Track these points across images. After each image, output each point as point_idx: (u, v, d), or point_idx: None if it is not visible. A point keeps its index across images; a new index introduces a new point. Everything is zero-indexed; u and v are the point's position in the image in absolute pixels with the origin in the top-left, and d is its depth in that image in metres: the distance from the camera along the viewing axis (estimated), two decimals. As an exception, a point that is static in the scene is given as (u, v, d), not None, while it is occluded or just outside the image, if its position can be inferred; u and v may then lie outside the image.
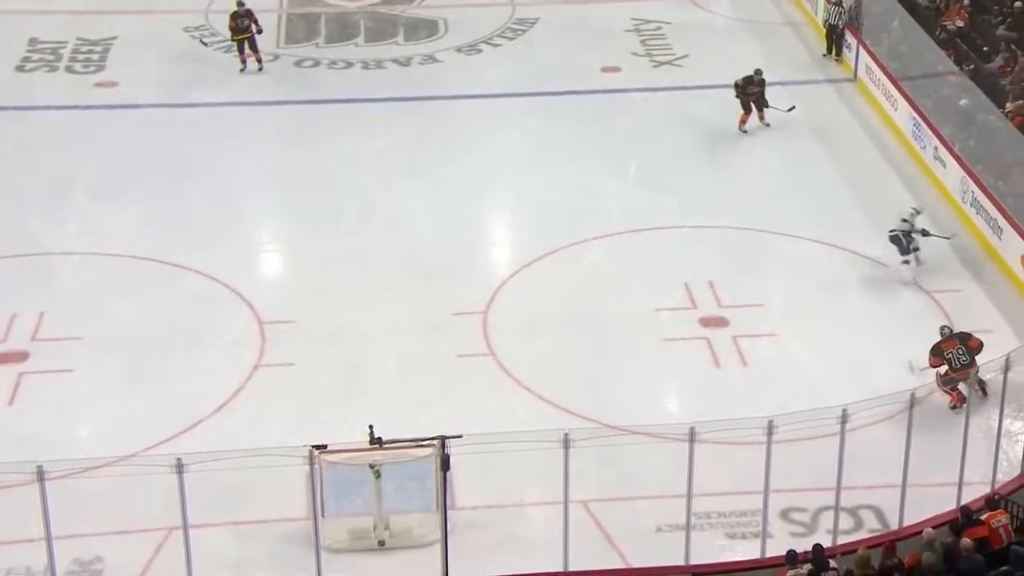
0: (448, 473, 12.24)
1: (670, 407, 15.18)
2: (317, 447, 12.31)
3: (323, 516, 12.69)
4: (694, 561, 12.60)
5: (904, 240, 17.09)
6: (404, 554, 12.94)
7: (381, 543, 13.04)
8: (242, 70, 21.96)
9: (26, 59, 23.37)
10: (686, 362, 15.65)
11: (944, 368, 14.75)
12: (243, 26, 21.55)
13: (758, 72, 21.05)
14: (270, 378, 15.48)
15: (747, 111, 21.07)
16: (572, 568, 12.43)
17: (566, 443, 12.24)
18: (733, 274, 17.40)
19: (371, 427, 12.66)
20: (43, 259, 17.80)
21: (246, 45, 21.90)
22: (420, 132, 21.26)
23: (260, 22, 21.90)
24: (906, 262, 17.09)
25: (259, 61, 22.02)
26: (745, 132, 21.04)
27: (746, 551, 12.96)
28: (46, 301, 16.77)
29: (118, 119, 21.54)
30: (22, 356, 15.79)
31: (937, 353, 14.85)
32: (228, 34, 22.06)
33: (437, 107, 22.10)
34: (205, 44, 21.92)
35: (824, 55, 23.80)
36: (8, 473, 11.90)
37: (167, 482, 11.84)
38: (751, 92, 21.01)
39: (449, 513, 12.41)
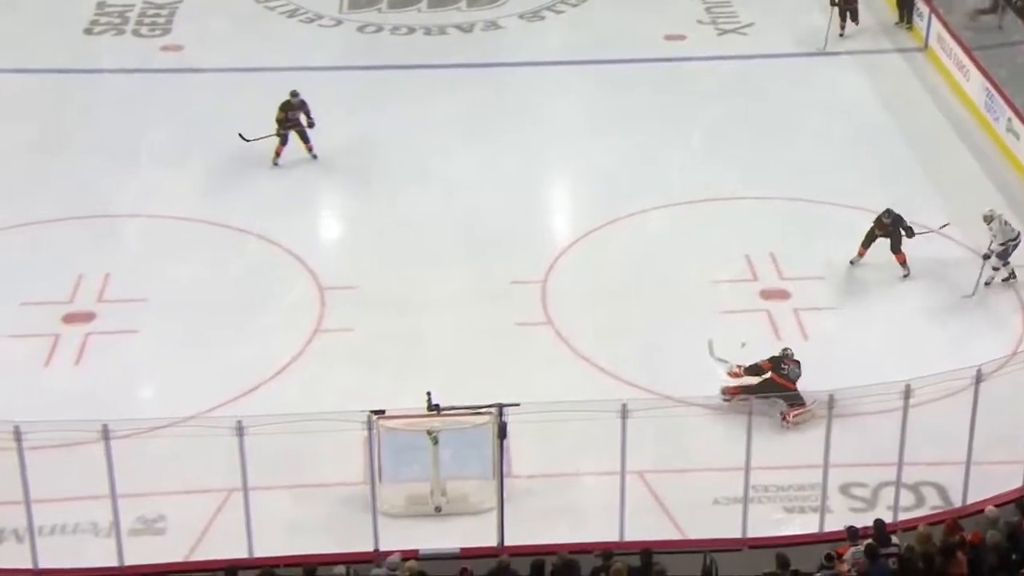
0: (505, 441, 12.29)
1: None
2: (375, 412, 12.41)
3: (380, 481, 12.79)
4: (751, 534, 12.55)
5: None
6: (460, 520, 13.03)
7: (438, 509, 13.14)
8: (275, 164, 18.87)
9: (94, 22, 23.62)
10: (746, 334, 15.53)
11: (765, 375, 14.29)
12: (294, 118, 18.80)
13: None
14: (329, 343, 15.62)
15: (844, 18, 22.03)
16: (628, 538, 12.43)
17: (623, 413, 12.24)
18: (796, 246, 17.22)
19: (429, 394, 12.73)
20: (109, 221, 18.08)
21: (291, 137, 18.90)
22: (481, 99, 21.23)
23: (310, 111, 18.88)
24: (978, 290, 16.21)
25: (310, 151, 19.01)
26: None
27: (804, 525, 12.88)
28: (112, 263, 17.04)
29: (183, 83, 21.75)
30: (88, 317, 16.08)
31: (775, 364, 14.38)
32: (274, 126, 18.82)
33: (499, 74, 22.04)
34: (246, 140, 18.71)
35: (896, 23, 23.38)
36: (75, 431, 12.17)
37: (228, 444, 12.02)
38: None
39: (505, 481, 12.46)
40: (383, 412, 12.57)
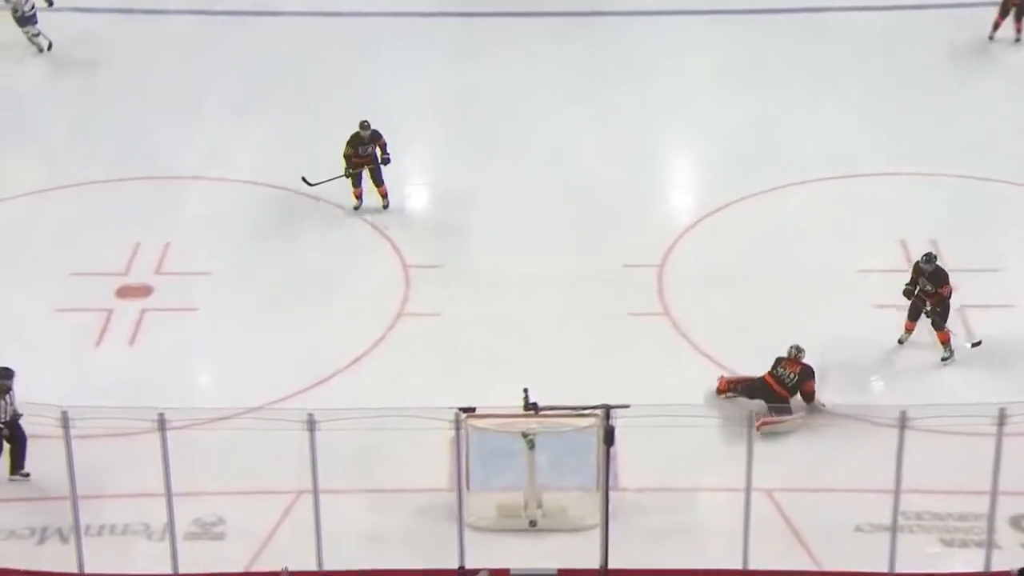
0: (612, 448, 12.23)
1: (877, 385, 14.83)
2: (464, 410, 12.46)
3: (468, 489, 12.85)
4: (901, 568, 12.35)
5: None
6: (558, 537, 13.02)
7: (532, 523, 13.15)
8: (356, 208, 17.68)
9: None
10: (899, 333, 15.27)
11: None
12: (365, 154, 17.44)
13: None
14: (413, 329, 15.73)
15: (1003, 14, 20.33)
16: (752, 566, 12.35)
17: (750, 421, 12.16)
18: (962, 232, 16.92)
19: (526, 391, 12.73)
20: (169, 183, 18.42)
21: (365, 175, 17.63)
22: (590, 53, 21.22)
23: (386, 144, 17.53)
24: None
25: (384, 195, 17.67)
26: (992, 40, 20.09)
27: (966, 562, 12.65)
28: (172, 231, 17.35)
29: (254, 27, 22.05)
30: (145, 291, 16.39)
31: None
32: (343, 164, 17.58)
33: (611, 24, 21.99)
34: (310, 184, 17.62)
35: None
36: (127, 419, 12.38)
37: (297, 440, 12.14)
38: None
39: (611, 494, 12.41)
40: (473, 410, 12.61)
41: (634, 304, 15.98)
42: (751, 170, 18.25)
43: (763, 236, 17.16)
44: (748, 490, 12.24)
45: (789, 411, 13.96)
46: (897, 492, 12.20)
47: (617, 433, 12.09)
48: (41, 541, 12.96)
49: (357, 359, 15.21)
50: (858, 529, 12.96)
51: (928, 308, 14.87)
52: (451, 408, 12.37)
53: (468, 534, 12.52)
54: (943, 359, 14.82)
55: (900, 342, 15.11)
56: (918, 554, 12.66)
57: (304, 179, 17.53)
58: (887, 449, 12.17)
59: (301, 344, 15.41)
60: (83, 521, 12.55)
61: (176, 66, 20.98)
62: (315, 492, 12.24)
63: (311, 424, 12.02)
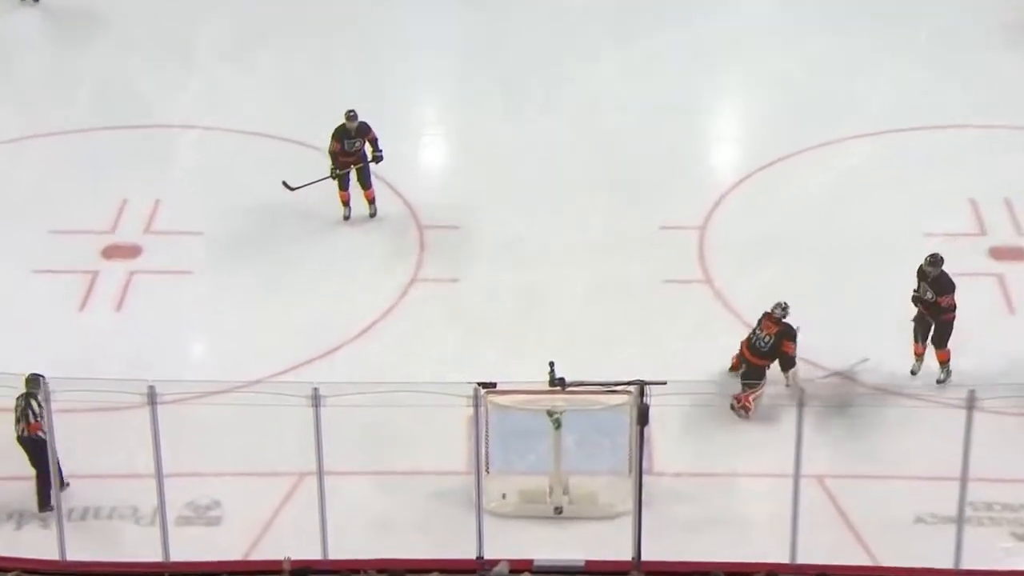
0: (646, 428, 12.27)
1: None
2: (484, 385, 12.50)
3: (487, 472, 12.94)
4: (967, 565, 12.34)
5: None
6: (586, 526, 13.11)
7: (558, 510, 13.24)
8: (346, 217, 16.83)
9: None
10: (967, 304, 15.15)
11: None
12: (352, 149, 16.47)
13: None
14: (428, 296, 15.82)
15: None
16: (801, 560, 12.36)
17: (800, 400, 12.13)
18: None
19: (552, 364, 12.76)
20: (159, 133, 18.52)
21: (352, 177, 16.69)
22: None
23: (377, 139, 16.60)
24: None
25: (371, 201, 16.78)
26: None
27: (1042, 559, 12.72)
28: (163, 185, 17.45)
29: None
30: (133, 251, 16.51)
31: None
32: (329, 162, 16.69)
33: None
34: (290, 188, 16.67)
35: None
36: (114, 392, 12.39)
37: (300, 416, 12.19)
38: None
39: (645, 479, 12.45)
40: (493, 385, 12.66)
41: (672, 270, 16.03)
42: (806, 122, 18.27)
43: (818, 195, 17.18)
44: (797, 476, 12.23)
45: (759, 383, 13.97)
46: (964, 480, 12.18)
47: (652, 412, 12.07)
48: (19, 526, 13.14)
49: (366, 329, 15.30)
50: (919, 520, 13.01)
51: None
52: (469, 383, 12.37)
53: (487, 521, 12.56)
54: (939, 381, 14.40)
55: (913, 372, 14.55)
56: (987, 548, 12.68)
57: (284, 183, 16.67)
58: (953, 433, 12.16)
59: (304, 312, 15.52)
60: (65, 504, 12.69)
61: (165, 2, 21.01)
62: (319, 474, 12.30)
63: (316, 400, 12.06)
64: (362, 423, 13.16)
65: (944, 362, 14.49)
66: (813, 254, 16.23)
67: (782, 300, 14.16)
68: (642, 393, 12.03)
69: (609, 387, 12.67)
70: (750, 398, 13.99)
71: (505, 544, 12.52)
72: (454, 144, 18.88)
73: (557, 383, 12.64)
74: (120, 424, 13.12)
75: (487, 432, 12.85)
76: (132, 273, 16.18)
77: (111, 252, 16.48)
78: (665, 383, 12.15)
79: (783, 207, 17.03)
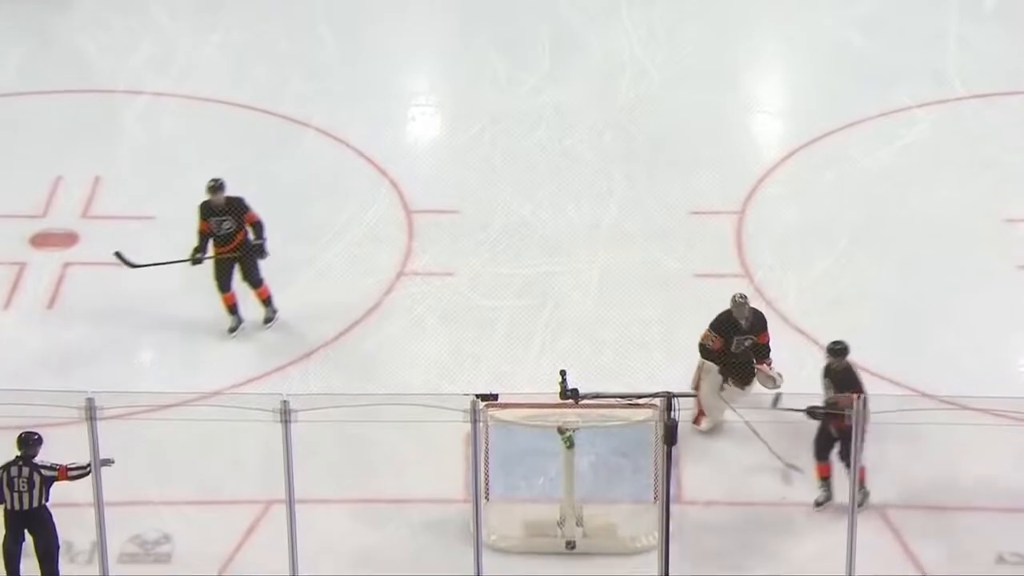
0: (674, 448, 12.17)
1: None
2: (483, 397, 12.39)
3: (487, 499, 12.90)
4: (1055, 611, 12.44)
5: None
6: (603, 562, 13.02)
7: (570, 545, 13.16)
8: (232, 330, 15.24)
9: None
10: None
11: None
12: (224, 232, 14.97)
13: None
14: (418, 292, 15.80)
15: None
16: (857, 605, 12.39)
17: (856, 415, 12.10)
18: None
19: (563, 373, 12.66)
20: (101, 99, 18.51)
21: (236, 271, 15.15)
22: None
23: (263, 225, 15.10)
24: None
25: (265, 301, 15.29)
26: None
27: None
28: (104, 161, 17.43)
29: None
30: (68, 239, 16.48)
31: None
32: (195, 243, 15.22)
33: None
34: (128, 264, 15.28)
35: None
36: (43, 405, 12.31)
37: (267, 434, 12.08)
38: None
39: (673, 508, 12.32)
40: (495, 397, 12.56)
41: (705, 263, 16.03)
42: (864, 89, 18.36)
43: (876, 174, 17.23)
44: (852, 506, 12.21)
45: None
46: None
47: (681, 429, 11.92)
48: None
49: (345, 331, 15.27)
50: (1000, 560, 12.94)
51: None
52: (466, 395, 12.25)
53: (487, 558, 12.49)
54: (817, 503, 13.40)
55: (817, 503, 13.32)
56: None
57: (118, 255, 15.30)
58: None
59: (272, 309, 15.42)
60: (-17, 538, 12.66)
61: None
62: (289, 502, 12.19)
63: (285, 414, 11.94)
64: (340, 441, 13.16)
65: (860, 481, 13.07)
66: (869, 243, 16.25)
67: (737, 295, 13.82)
68: (669, 407, 11.88)
69: (630, 400, 12.51)
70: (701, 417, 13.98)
71: (509, 585, 12.52)
72: (449, 115, 18.89)
73: (569, 395, 12.50)
74: (52, 443, 12.93)
75: (487, 452, 12.81)
76: (66, 265, 16.16)
77: (41, 240, 16.47)
78: (694, 395, 12.10)
79: (834, 189, 17.08)
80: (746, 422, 13.33)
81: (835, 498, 13.14)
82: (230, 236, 15.02)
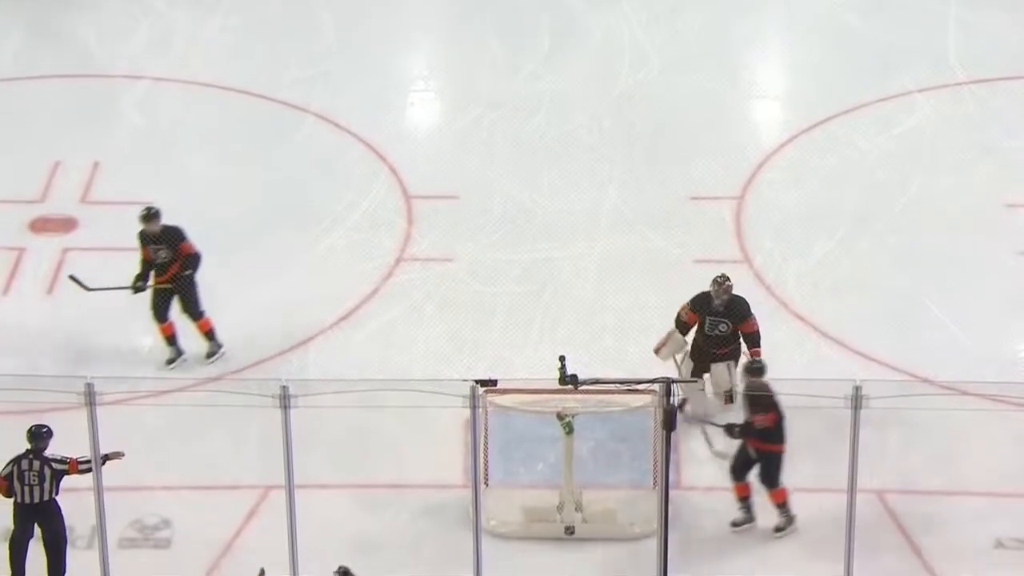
0: (674, 434, 12.17)
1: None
2: (482, 383, 12.37)
3: (487, 485, 12.92)
4: (1055, 599, 12.46)
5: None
6: (602, 548, 13.05)
7: (569, 530, 13.18)
8: (171, 362, 14.68)
9: None
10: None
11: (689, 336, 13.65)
12: (163, 261, 14.50)
13: None
14: (418, 278, 15.82)
15: None
16: (856, 589, 12.40)
17: (855, 401, 12.02)
18: None
19: (562, 359, 12.64)
20: (99, 83, 18.53)
21: (174, 304, 14.68)
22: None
23: (199, 257, 14.55)
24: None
25: (207, 334, 14.74)
26: None
27: None
28: (103, 146, 17.45)
29: None
30: (67, 224, 16.51)
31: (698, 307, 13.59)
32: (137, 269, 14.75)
33: None
34: (86, 288, 14.81)
35: None
36: (43, 391, 12.40)
37: (266, 419, 12.07)
38: None
39: (672, 494, 12.33)
40: (493, 383, 12.55)
41: (704, 249, 16.04)
42: (865, 71, 18.38)
43: (877, 159, 17.24)
44: (852, 491, 12.17)
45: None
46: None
47: (681, 415, 12.05)
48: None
49: (343, 317, 15.28)
50: (999, 545, 12.95)
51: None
52: (465, 381, 12.24)
53: (486, 543, 12.45)
54: (777, 529, 13.10)
55: (734, 524, 13.09)
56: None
57: (73, 277, 14.99)
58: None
59: (271, 296, 15.49)
60: (-14, 523, 12.68)
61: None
62: (289, 488, 12.17)
63: (284, 399, 11.94)
64: (339, 427, 13.15)
65: (781, 504, 13.11)
66: (871, 229, 16.27)
67: (720, 276, 13.77)
68: (669, 393, 11.85)
69: (630, 385, 12.54)
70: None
71: (507, 570, 12.53)
72: (447, 101, 18.90)
73: (568, 380, 12.49)
74: (52, 428, 12.97)
75: (486, 438, 12.83)
76: (66, 250, 16.17)
77: (40, 225, 16.49)
78: (697, 381, 12.12)
79: (833, 174, 17.09)
80: (683, 400, 13.05)
81: (756, 520, 13.03)
82: (165, 266, 14.56)
